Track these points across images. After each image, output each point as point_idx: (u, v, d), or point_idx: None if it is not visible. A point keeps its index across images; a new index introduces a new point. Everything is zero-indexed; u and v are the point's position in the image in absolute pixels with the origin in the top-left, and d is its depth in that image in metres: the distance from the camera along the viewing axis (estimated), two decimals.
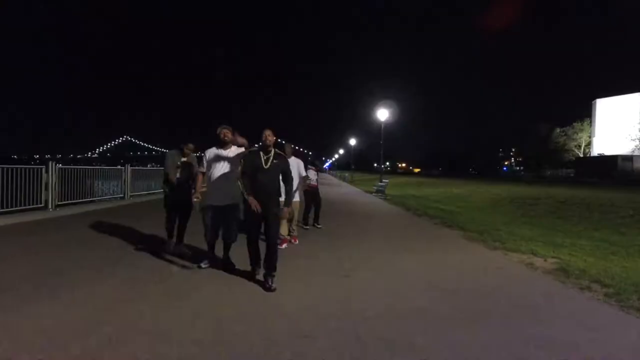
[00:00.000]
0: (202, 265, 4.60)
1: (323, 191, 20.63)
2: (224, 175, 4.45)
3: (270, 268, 4.06)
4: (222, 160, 4.47)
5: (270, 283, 3.99)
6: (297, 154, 8.17)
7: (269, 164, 4.09)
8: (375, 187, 21.33)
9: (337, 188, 26.75)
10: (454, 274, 5.01)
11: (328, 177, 54.76)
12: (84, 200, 9.34)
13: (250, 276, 4.31)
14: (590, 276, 4.79)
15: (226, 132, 4.46)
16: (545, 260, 5.71)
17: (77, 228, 6.68)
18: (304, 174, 6.59)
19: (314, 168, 8.40)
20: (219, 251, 4.70)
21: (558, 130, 59.35)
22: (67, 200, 8.78)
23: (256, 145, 4.39)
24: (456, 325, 3.30)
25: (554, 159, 61.40)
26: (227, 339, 2.84)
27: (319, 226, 8.17)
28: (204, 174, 4.65)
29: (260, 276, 4.21)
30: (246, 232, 4.24)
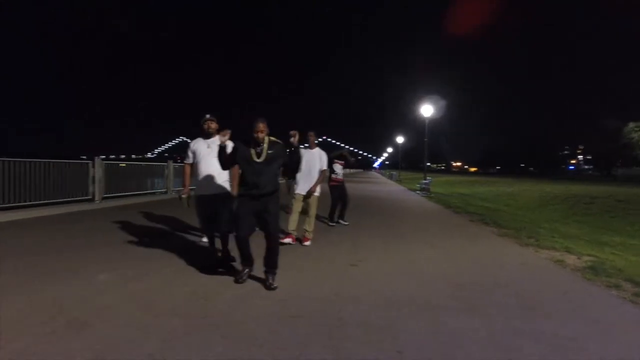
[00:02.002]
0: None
1: (366, 189, 20.83)
2: (209, 165, 4.27)
3: (272, 266, 3.79)
4: (207, 150, 4.32)
5: (271, 281, 3.72)
6: (343, 157, 7.80)
7: (262, 156, 3.69)
8: (418, 185, 20.76)
9: (381, 186, 26.39)
10: (471, 268, 4.76)
11: (375, 176, 54.30)
12: (128, 193, 9.98)
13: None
14: (625, 275, 4.34)
15: (210, 124, 4.37)
16: (578, 258, 5.25)
17: (116, 217, 7.17)
18: (324, 167, 5.97)
19: (341, 162, 7.81)
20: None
21: (631, 125, 53.87)
22: (113, 193, 9.44)
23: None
24: (450, 315, 3.15)
25: (627, 157, 55.88)
26: (211, 316, 2.91)
27: (344, 223, 7.62)
28: (190, 165, 4.51)
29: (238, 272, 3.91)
30: (235, 232, 3.79)
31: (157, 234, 6.07)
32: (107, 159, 9.22)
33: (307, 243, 5.71)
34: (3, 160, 6.86)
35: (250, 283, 3.74)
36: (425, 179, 20.83)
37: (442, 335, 2.78)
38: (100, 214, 7.83)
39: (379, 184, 30.21)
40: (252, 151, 3.69)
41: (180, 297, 3.32)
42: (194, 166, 4.44)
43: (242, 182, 3.80)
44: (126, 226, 6.42)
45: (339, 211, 7.71)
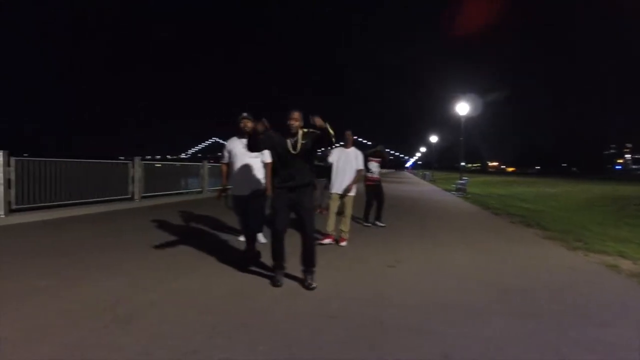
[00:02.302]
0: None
1: (399, 189, 20.52)
2: (245, 165, 4.29)
3: (309, 264, 3.70)
4: (243, 150, 4.23)
5: (310, 281, 3.64)
6: (379, 155, 7.54)
7: (297, 148, 3.60)
8: (454, 185, 20.23)
9: (414, 186, 25.93)
10: (515, 271, 4.56)
11: (408, 176, 53.45)
12: (165, 192, 10.28)
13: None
14: None
15: (246, 122, 4.29)
16: (634, 263, 4.93)
17: (155, 216, 7.40)
18: (360, 167, 5.86)
19: (376, 159, 7.50)
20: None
21: None
22: (151, 192, 9.74)
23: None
24: (497, 321, 3.00)
25: None
26: (252, 314, 2.92)
27: (381, 224, 7.34)
28: (227, 165, 4.53)
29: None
30: (271, 226, 3.75)
31: (195, 232, 6.20)
32: (143, 159, 9.54)
33: (344, 244, 5.63)
34: (53, 161, 7.23)
35: (288, 282, 3.73)
36: (461, 179, 20.28)
37: (489, 342, 2.65)
38: (139, 212, 8.11)
39: (411, 184, 29.71)
40: (288, 142, 3.62)
41: (220, 295, 3.36)
42: (230, 166, 4.46)
43: (276, 174, 3.75)
44: (165, 225, 6.61)
45: (375, 212, 7.46)
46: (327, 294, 3.48)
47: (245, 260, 4.23)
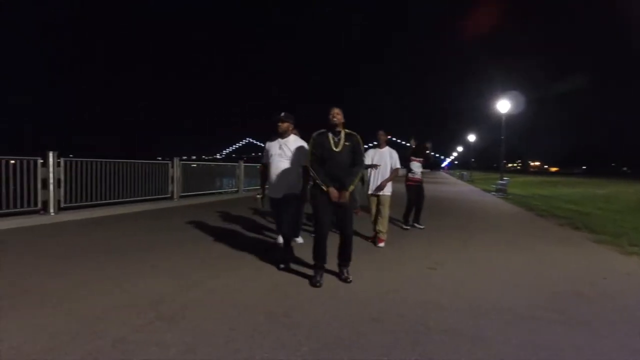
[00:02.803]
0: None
1: (436, 189, 20.01)
2: (280, 166, 4.20)
3: (346, 259, 3.80)
4: (279, 152, 4.24)
5: (346, 274, 3.76)
6: (420, 149, 7.27)
7: (340, 146, 3.65)
8: (494, 186, 19.51)
9: (451, 186, 25.24)
10: (565, 275, 4.31)
11: (444, 176, 52.16)
12: (202, 192, 10.53)
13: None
14: None
15: (281, 123, 4.23)
16: None
17: (193, 215, 7.59)
18: (397, 166, 5.71)
19: (418, 159, 7.16)
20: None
21: None
22: (189, 192, 10.01)
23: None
24: (546, 328, 2.84)
25: None
26: (293, 314, 2.90)
27: (420, 226, 7.08)
28: (265, 166, 4.43)
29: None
30: (314, 227, 3.82)
31: (232, 232, 6.28)
32: (180, 159, 9.83)
33: (381, 244, 5.55)
34: (98, 161, 7.56)
35: (328, 282, 3.69)
36: (501, 179, 19.53)
37: (540, 350, 2.49)
38: (178, 211, 8.33)
39: (448, 184, 28.94)
40: (331, 138, 3.66)
41: (261, 294, 3.36)
42: (267, 167, 4.37)
43: (318, 173, 3.65)
44: (203, 224, 6.73)
45: (414, 214, 7.18)
46: (368, 295, 3.41)
47: (282, 261, 4.20)
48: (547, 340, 2.63)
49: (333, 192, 3.57)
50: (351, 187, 3.62)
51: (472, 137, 45.68)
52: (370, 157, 5.74)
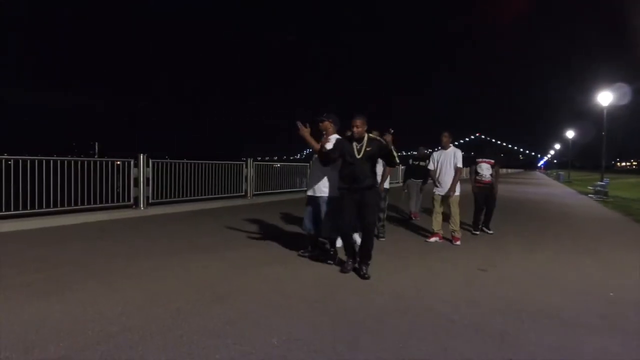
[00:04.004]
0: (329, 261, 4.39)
1: (522, 191, 18.65)
2: (318, 166, 4.29)
3: (365, 256, 3.95)
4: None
5: (364, 271, 3.89)
6: (497, 153, 7.02)
7: (361, 152, 3.90)
8: (592, 188, 17.52)
9: (542, 188, 23.24)
10: (632, 286, 3.93)
11: (538, 176, 47.85)
12: (274, 191, 11.18)
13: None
14: None
15: (320, 124, 4.37)
16: None
17: (263, 212, 8.18)
18: (459, 165, 5.71)
19: (488, 161, 6.73)
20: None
21: None
22: (262, 190, 10.73)
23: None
24: (588, 333, 2.72)
25: None
26: (330, 303, 3.15)
27: (489, 232, 6.69)
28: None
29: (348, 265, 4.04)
30: (340, 225, 4.07)
31: (293, 227, 6.68)
32: (255, 160, 10.57)
33: (458, 242, 5.67)
34: (181, 162, 8.57)
35: (371, 281, 3.80)
36: (602, 180, 17.48)
37: (568, 353, 2.43)
38: (251, 208, 9.02)
39: (540, 185, 26.66)
40: (354, 146, 3.93)
41: (307, 285, 3.65)
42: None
43: (341, 176, 4.01)
44: (269, 221, 7.22)
45: (484, 218, 6.78)
46: (406, 291, 3.53)
47: (329, 258, 4.38)
48: (581, 346, 2.54)
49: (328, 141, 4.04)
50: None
51: (570, 134, 41.19)
52: (435, 159, 5.95)
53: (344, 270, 4.00)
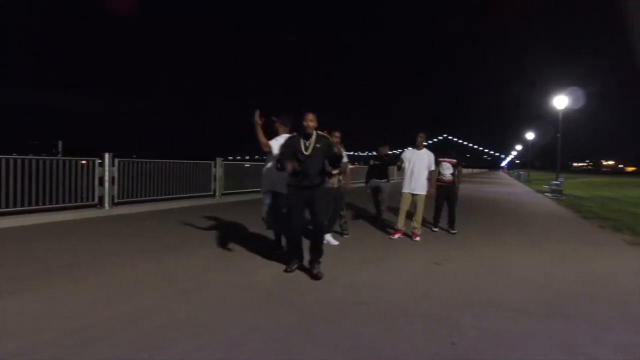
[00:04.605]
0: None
1: (484, 190, 19.44)
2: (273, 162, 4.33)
3: (316, 254, 3.92)
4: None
5: (317, 270, 3.86)
6: (461, 154, 7.16)
7: (309, 149, 3.84)
8: (548, 187, 18.53)
9: (503, 187, 24.29)
10: (579, 275, 4.35)
11: (501, 176, 49.81)
12: (243, 190, 11.13)
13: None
14: None
15: (275, 125, 4.52)
16: None
17: (230, 211, 8.22)
18: (432, 167, 6.05)
19: (449, 160, 6.95)
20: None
21: None
22: (231, 190, 10.70)
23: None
24: (528, 320, 3.00)
25: None
26: (289, 295, 3.31)
27: (452, 232, 6.74)
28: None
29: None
30: (287, 222, 4.01)
31: (260, 226, 6.78)
32: (225, 159, 10.56)
33: (417, 239, 5.92)
34: (147, 161, 8.49)
35: (329, 270, 3.98)
36: (556, 179, 18.51)
37: (507, 336, 2.70)
38: (218, 207, 8.98)
39: (501, 185, 27.83)
40: (302, 143, 3.85)
41: (269, 280, 3.79)
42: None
43: (290, 173, 3.85)
44: (237, 219, 7.27)
45: (448, 219, 6.89)
46: (363, 284, 3.75)
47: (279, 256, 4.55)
48: (520, 330, 2.80)
49: (292, 165, 3.73)
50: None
51: (530, 135, 43.19)
52: (407, 158, 6.07)
53: (288, 270, 3.95)
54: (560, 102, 20.95)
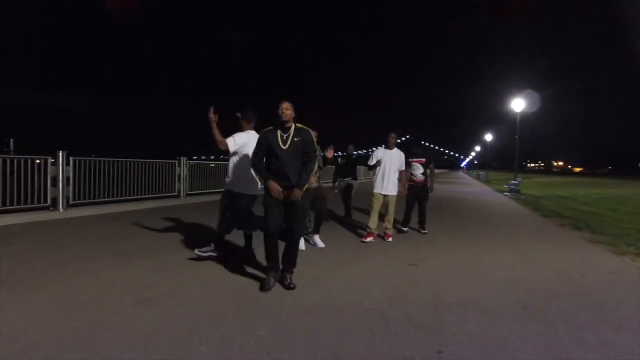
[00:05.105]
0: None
1: (447, 190, 19.91)
2: (234, 161, 4.27)
3: (289, 263, 3.56)
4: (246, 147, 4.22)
5: (289, 280, 3.50)
6: (428, 152, 7.15)
7: (287, 143, 3.44)
8: (507, 186, 19.25)
9: (464, 187, 25.03)
10: (547, 274, 4.38)
11: (460, 176, 51.51)
12: (210, 191, 10.66)
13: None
14: None
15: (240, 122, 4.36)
16: None
17: (195, 213, 7.86)
18: (402, 167, 5.99)
19: (419, 160, 6.82)
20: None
21: None
22: (196, 190, 10.30)
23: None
24: (507, 321, 2.94)
25: None
26: (262, 303, 3.09)
27: (423, 232, 6.71)
28: None
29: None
30: (264, 225, 3.52)
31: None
32: (190, 158, 10.11)
33: (390, 239, 5.89)
34: (107, 160, 7.96)
35: (299, 276, 3.73)
36: (514, 179, 19.27)
37: (490, 340, 2.61)
38: (184, 209, 8.60)
39: (463, 184, 28.68)
40: (279, 136, 3.46)
41: (239, 287, 3.54)
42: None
43: (268, 170, 3.52)
44: (203, 222, 6.93)
45: (419, 219, 6.83)
46: (338, 287, 3.59)
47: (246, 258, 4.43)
48: (502, 332, 2.74)
49: (273, 186, 3.40)
50: (305, 186, 3.48)
51: (489, 137, 44.96)
52: (376, 157, 5.96)
53: (264, 288, 3.40)
54: (518, 105, 21.88)
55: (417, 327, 2.78)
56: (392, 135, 5.98)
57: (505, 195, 17.76)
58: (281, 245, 3.54)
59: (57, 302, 3.00)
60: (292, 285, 3.48)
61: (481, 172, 47.57)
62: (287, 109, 3.44)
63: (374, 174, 6.13)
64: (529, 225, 8.53)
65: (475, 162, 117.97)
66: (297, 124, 3.54)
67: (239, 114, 4.37)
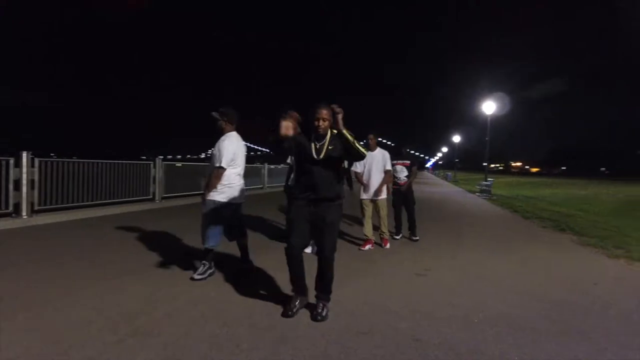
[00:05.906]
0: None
1: (421, 190, 20.05)
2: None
3: (324, 290, 3.09)
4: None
5: (321, 310, 2.99)
6: (412, 154, 6.88)
7: (322, 153, 2.99)
8: (478, 187, 19.68)
9: (436, 187, 25.40)
10: (558, 282, 4.25)
11: (428, 176, 52.61)
12: (187, 193, 10.10)
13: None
14: None
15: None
16: None
17: (173, 218, 7.37)
18: (388, 167, 5.66)
19: (403, 162, 6.53)
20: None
21: None
22: (172, 193, 9.71)
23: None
24: (545, 339, 2.73)
25: None
26: (279, 327, 2.74)
27: (415, 238, 6.39)
28: None
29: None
30: (286, 242, 3.04)
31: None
32: (165, 159, 9.50)
33: (387, 245, 5.70)
34: (76, 162, 7.26)
35: (311, 295, 3.50)
36: (486, 180, 19.72)
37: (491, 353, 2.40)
38: (159, 213, 8.09)
39: (433, 185, 29.14)
40: (312, 145, 3.02)
41: (249, 308, 3.16)
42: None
43: (297, 181, 3.21)
44: (185, 227, 6.46)
45: (409, 224, 6.53)
46: (355, 306, 3.28)
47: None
48: (547, 353, 2.53)
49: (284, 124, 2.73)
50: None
51: (457, 138, 46.17)
52: (362, 162, 5.55)
53: (286, 313, 2.99)
54: (489, 107, 22.45)
55: (458, 352, 2.52)
56: (371, 136, 5.68)
57: (478, 195, 18.11)
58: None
59: (36, 335, 2.52)
60: (319, 318, 2.94)
61: (449, 173, 48.79)
62: (324, 120, 2.94)
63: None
64: (514, 227, 8.57)
65: (440, 162, 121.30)
66: (333, 130, 3.00)
67: (216, 114, 3.88)
